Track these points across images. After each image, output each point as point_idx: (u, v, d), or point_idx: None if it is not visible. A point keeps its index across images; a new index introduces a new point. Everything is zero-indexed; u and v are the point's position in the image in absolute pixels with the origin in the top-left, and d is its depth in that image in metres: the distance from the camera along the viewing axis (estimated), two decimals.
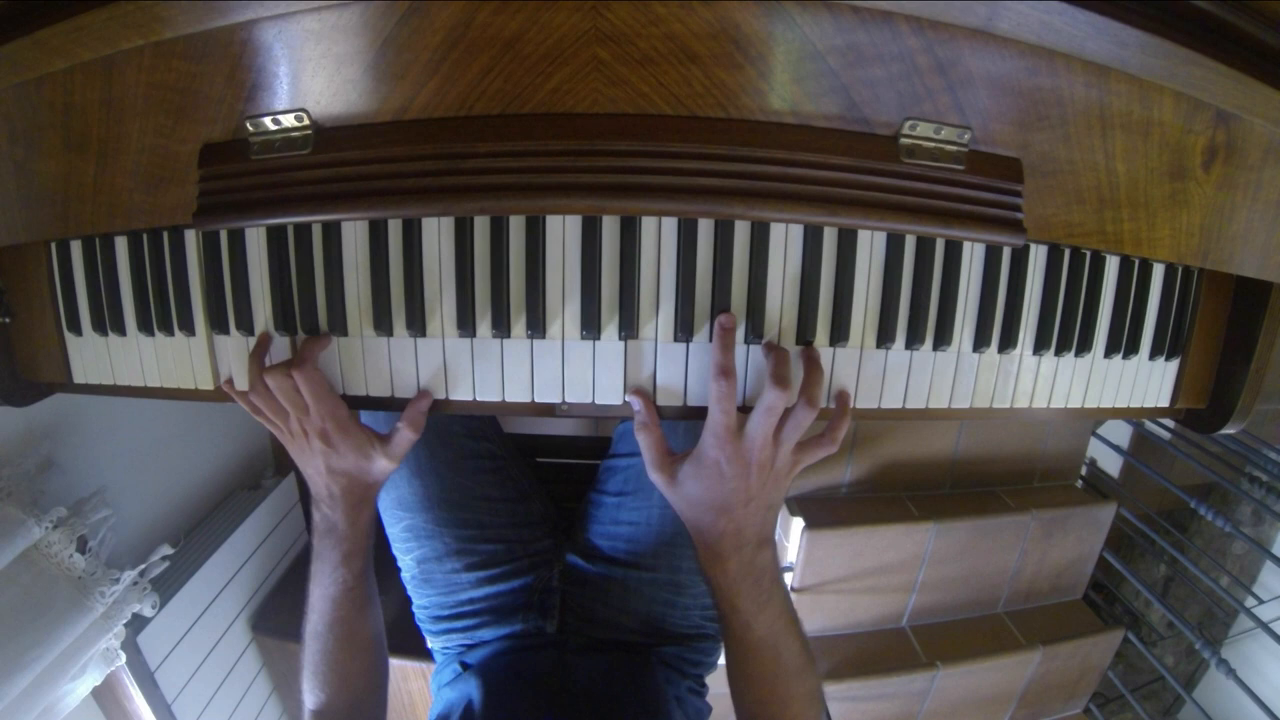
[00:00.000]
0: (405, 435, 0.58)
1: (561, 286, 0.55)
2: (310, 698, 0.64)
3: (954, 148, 0.51)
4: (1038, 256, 0.58)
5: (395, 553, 0.83)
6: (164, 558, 1.11)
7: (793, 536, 1.64)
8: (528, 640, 0.78)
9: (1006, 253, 0.57)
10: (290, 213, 0.53)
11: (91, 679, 1.03)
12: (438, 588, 0.80)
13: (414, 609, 0.84)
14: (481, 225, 0.54)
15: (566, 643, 0.77)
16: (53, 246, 0.63)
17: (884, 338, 0.56)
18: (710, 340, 0.55)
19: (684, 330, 0.55)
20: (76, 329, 0.64)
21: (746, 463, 0.52)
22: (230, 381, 0.60)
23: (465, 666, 0.77)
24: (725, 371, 0.52)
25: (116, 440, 1.16)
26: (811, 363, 0.54)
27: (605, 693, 0.70)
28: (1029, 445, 1.86)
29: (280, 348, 0.59)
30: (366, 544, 0.64)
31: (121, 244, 0.61)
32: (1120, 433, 2.07)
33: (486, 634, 0.79)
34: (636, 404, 0.56)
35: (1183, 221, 0.56)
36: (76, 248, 0.62)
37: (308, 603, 0.64)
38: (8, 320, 0.65)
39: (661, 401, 0.57)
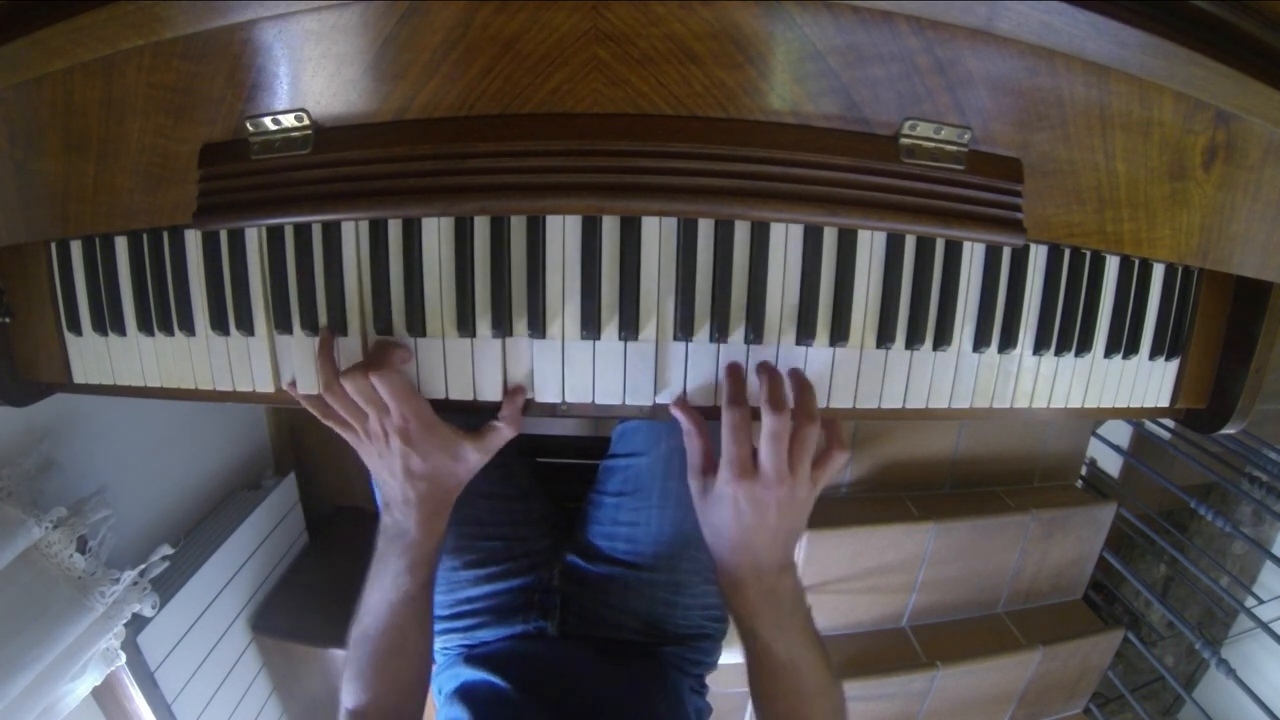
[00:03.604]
0: (504, 433, 0.59)
1: (561, 286, 0.55)
2: (350, 698, 0.62)
3: (954, 148, 0.51)
4: (1038, 256, 0.58)
5: None
6: (164, 558, 1.11)
7: None
8: (528, 641, 0.77)
9: (1006, 253, 0.57)
10: (290, 213, 0.53)
11: (91, 679, 1.03)
12: (437, 586, 0.80)
13: None
14: (481, 225, 0.54)
15: (570, 646, 0.76)
16: (53, 246, 0.63)
17: (884, 338, 0.56)
18: (709, 340, 0.55)
19: (684, 330, 0.55)
20: (76, 329, 0.64)
21: (765, 505, 0.52)
22: (294, 383, 0.59)
23: (468, 660, 0.76)
24: (734, 400, 0.53)
25: (116, 440, 1.16)
26: (797, 381, 0.54)
27: (613, 702, 0.69)
28: (1029, 445, 1.86)
29: (350, 351, 0.57)
30: (436, 554, 0.62)
31: (121, 244, 0.61)
32: (1120, 433, 2.07)
33: (486, 634, 0.78)
34: (680, 417, 0.57)
35: (1183, 221, 0.56)
36: (76, 248, 0.62)
37: (361, 604, 0.62)
38: (8, 320, 0.65)
39: (660, 401, 0.57)
